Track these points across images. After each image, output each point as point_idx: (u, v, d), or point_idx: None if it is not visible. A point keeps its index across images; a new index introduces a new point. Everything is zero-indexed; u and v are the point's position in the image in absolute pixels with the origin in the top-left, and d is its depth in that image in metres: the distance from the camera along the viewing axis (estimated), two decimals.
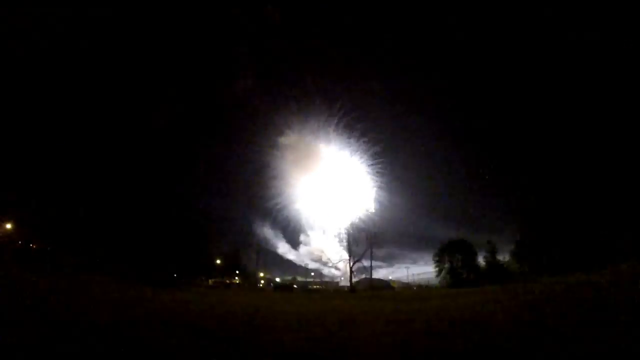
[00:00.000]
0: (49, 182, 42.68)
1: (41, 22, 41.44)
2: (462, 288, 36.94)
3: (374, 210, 58.46)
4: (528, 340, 8.30)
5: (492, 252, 48.07)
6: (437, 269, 51.15)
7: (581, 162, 40.56)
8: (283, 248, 66.36)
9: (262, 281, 71.38)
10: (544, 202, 42.85)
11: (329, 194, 60.36)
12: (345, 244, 60.00)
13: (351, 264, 58.19)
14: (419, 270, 62.77)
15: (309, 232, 63.12)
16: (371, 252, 58.20)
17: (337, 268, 64.98)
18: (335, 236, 60.93)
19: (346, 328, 11.56)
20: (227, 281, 62.45)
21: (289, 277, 72.13)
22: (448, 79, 56.04)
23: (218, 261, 61.58)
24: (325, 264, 66.30)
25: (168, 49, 53.11)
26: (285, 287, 57.48)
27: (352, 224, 59.28)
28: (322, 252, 63.58)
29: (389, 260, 67.91)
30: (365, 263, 58.58)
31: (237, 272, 66.25)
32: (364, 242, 57.71)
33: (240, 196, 65.13)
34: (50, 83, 45.70)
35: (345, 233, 59.86)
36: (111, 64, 49.67)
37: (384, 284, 62.87)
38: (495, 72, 49.63)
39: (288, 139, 58.83)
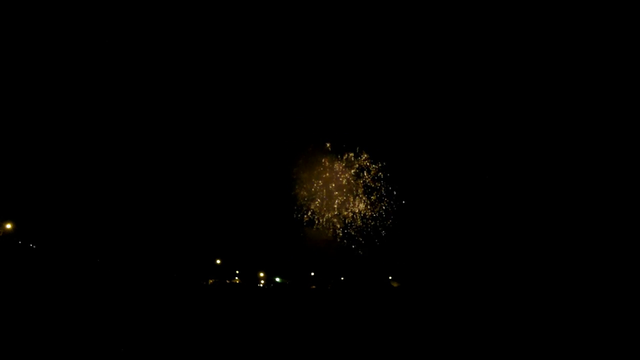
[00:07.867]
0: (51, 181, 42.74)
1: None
2: None
3: (375, 210, 58.38)
4: None
5: None
6: None
7: None
8: (282, 247, 66.09)
9: (262, 281, 71.16)
10: None
11: (329, 193, 60.29)
12: (344, 242, 59.86)
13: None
14: None
15: (309, 231, 62.93)
16: (372, 252, 58.03)
17: (337, 268, 64.76)
18: (335, 235, 60.80)
19: None
20: (227, 281, 62.28)
21: (289, 277, 71.86)
22: None
23: (218, 261, 61.41)
24: (325, 263, 66.09)
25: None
26: (285, 287, 57.30)
27: (352, 223, 59.17)
28: (322, 251, 63.35)
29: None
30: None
31: (237, 272, 66.04)
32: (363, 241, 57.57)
33: (239, 195, 64.95)
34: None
35: (345, 232, 59.76)
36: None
37: (384, 284, 62.55)
38: None
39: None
